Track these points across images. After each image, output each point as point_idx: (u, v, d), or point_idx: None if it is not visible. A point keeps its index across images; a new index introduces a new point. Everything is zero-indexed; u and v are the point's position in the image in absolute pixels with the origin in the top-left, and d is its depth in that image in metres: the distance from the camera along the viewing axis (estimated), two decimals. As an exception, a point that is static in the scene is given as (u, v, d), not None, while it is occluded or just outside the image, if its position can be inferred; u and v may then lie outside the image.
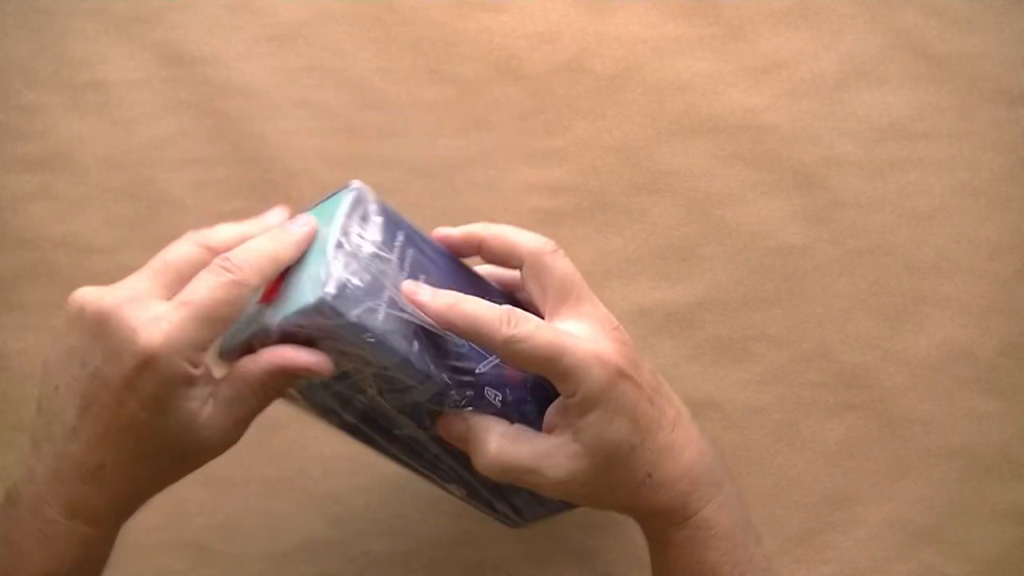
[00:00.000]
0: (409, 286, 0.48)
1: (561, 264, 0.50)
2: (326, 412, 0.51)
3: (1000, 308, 0.66)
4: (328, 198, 0.51)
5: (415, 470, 0.54)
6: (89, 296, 0.46)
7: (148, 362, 0.43)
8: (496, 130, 0.66)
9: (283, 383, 0.47)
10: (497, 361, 0.50)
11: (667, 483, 0.49)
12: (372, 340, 0.46)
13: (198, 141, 0.66)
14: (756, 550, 0.52)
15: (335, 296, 0.45)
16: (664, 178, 0.67)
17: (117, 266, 0.66)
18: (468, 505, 0.56)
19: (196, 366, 0.45)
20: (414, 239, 0.51)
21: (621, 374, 0.48)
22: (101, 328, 0.45)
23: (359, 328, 0.45)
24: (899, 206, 0.67)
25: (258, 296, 0.47)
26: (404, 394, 0.49)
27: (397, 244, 0.50)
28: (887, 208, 0.67)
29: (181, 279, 0.46)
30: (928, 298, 0.66)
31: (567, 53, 0.67)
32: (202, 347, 0.45)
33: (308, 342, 0.46)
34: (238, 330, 0.48)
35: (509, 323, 0.47)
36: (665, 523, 0.51)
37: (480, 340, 0.47)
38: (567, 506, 0.58)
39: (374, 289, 0.46)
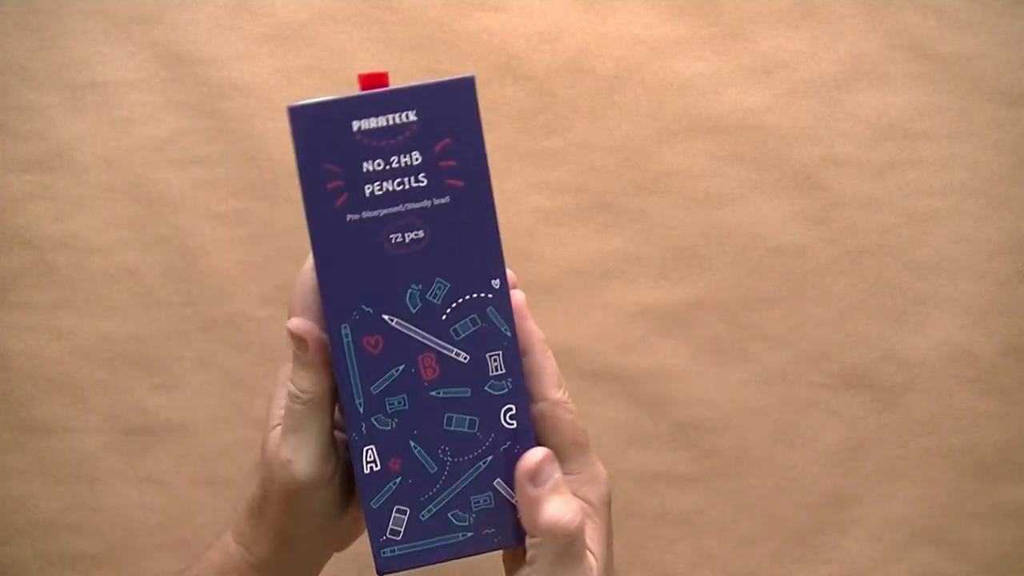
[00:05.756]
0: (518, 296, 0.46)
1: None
2: None
3: (1000, 308, 0.66)
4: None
5: None
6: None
7: None
8: (496, 130, 0.66)
9: None
10: None
11: None
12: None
13: (198, 141, 0.66)
14: None
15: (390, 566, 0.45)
16: (664, 178, 0.67)
17: (117, 266, 0.66)
18: None
19: None
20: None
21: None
22: None
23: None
24: (899, 206, 0.67)
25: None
26: None
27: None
28: (887, 208, 0.67)
29: None
30: (928, 298, 0.66)
31: (567, 53, 0.67)
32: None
33: None
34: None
35: (564, 390, 0.46)
36: None
37: (538, 382, 0.46)
38: None
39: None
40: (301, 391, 0.45)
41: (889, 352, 0.66)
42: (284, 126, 0.67)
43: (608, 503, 0.47)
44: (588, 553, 0.45)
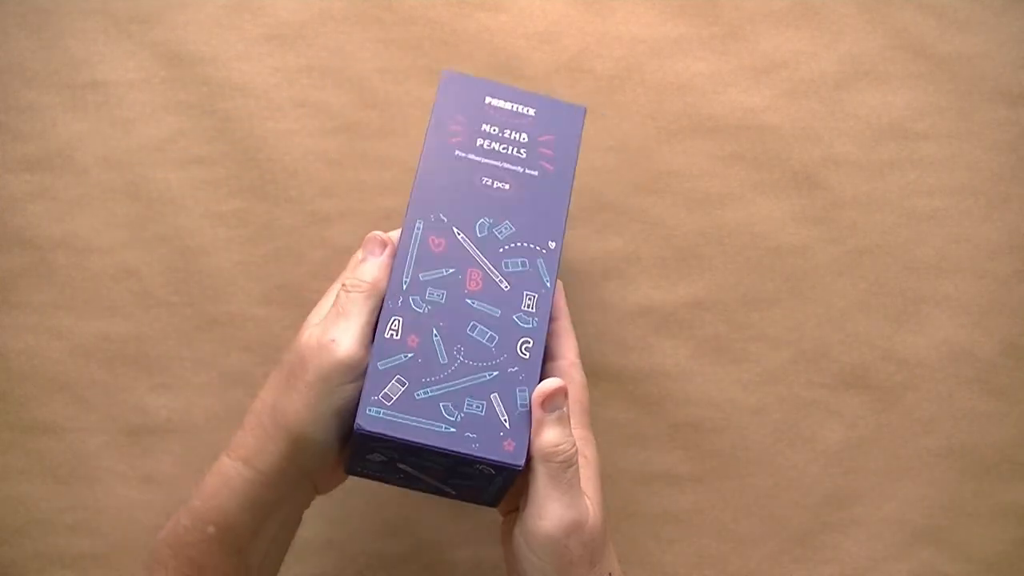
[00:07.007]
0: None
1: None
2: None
3: (1000, 308, 0.66)
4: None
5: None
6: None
7: None
8: (496, 130, 0.66)
9: None
10: None
11: None
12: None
13: (198, 141, 0.66)
14: None
15: (372, 426, 0.48)
16: (664, 178, 0.67)
17: (117, 266, 0.66)
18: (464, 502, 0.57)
19: None
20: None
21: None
22: None
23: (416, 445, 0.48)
24: (899, 206, 0.67)
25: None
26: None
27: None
28: (887, 208, 0.67)
29: None
30: (928, 298, 0.66)
31: (567, 53, 0.67)
32: None
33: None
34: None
35: (578, 359, 0.55)
36: None
37: (562, 344, 0.54)
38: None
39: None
40: (361, 279, 0.51)
41: (889, 352, 0.66)
42: (284, 126, 0.67)
43: (599, 465, 0.52)
44: (583, 493, 0.49)
